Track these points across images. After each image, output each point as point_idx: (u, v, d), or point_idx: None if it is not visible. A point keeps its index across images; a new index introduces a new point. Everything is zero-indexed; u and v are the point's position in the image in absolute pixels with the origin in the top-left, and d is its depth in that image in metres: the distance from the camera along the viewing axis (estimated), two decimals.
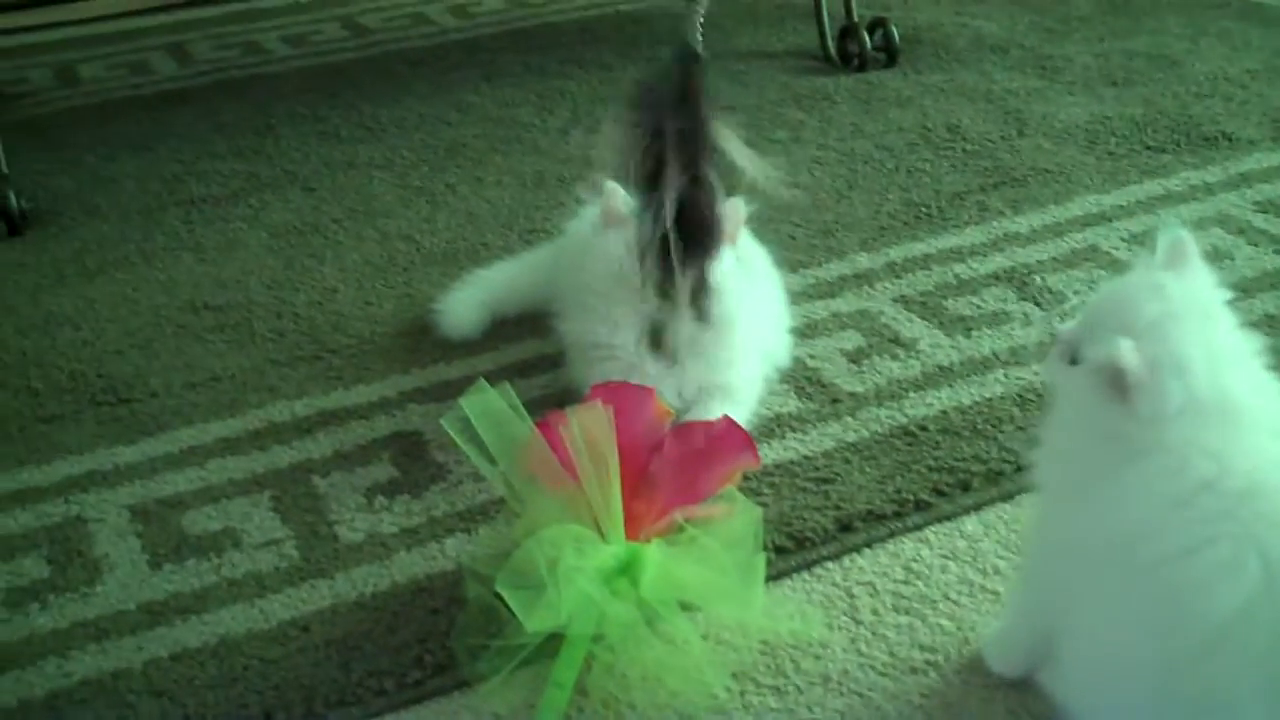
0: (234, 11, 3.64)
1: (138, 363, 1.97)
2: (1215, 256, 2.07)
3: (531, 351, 1.93)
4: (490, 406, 1.44)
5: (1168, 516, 1.11)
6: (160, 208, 2.50)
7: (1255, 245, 2.10)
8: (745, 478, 1.57)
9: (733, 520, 1.42)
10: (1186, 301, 1.17)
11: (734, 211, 1.72)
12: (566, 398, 1.79)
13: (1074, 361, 1.19)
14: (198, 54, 3.38)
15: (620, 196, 1.71)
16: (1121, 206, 2.25)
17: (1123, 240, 2.13)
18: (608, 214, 1.71)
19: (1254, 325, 1.80)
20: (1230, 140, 2.48)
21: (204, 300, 2.14)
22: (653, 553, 1.37)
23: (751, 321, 1.75)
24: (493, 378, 1.83)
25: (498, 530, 1.51)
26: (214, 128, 2.86)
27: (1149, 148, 2.48)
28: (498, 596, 1.32)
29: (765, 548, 1.46)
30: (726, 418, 1.52)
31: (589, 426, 1.40)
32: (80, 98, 3.16)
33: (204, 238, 2.36)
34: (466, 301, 1.98)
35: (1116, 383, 1.12)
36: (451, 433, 1.44)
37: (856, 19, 2.99)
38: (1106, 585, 1.15)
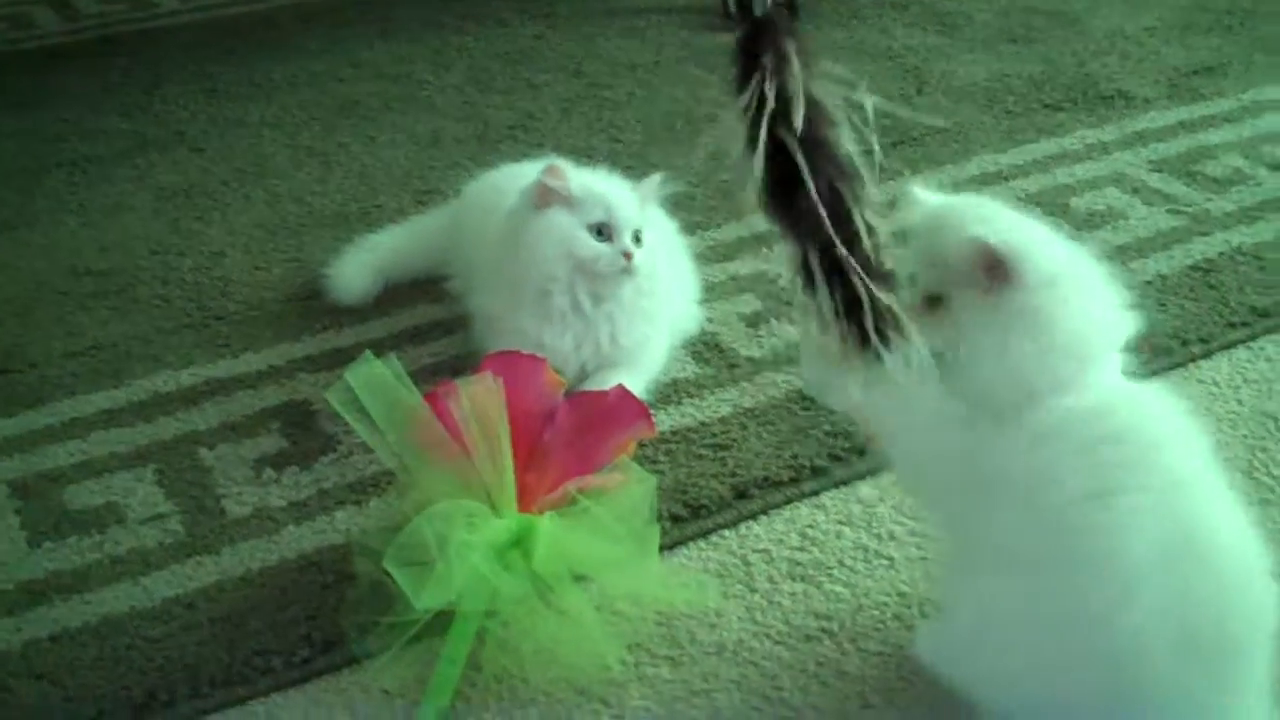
0: None
1: (16, 331, 1.91)
2: (1110, 216, 2.09)
3: (424, 317, 1.90)
4: (377, 378, 1.40)
5: (1074, 460, 1.11)
6: (42, 169, 2.42)
7: (1150, 205, 2.11)
8: (641, 445, 1.55)
9: (627, 490, 1.41)
10: (980, 202, 1.23)
11: (651, 187, 1.73)
12: (461, 365, 1.77)
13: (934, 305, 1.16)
14: (82, 7, 3.28)
15: (567, 178, 1.67)
16: (1018, 166, 2.25)
17: (1019, 199, 2.13)
18: (551, 194, 1.67)
19: (1148, 285, 1.87)
20: (1127, 99, 2.49)
21: (86, 265, 2.08)
22: (545, 525, 1.35)
23: (664, 293, 1.74)
24: (385, 344, 1.83)
25: (388, 503, 1.49)
26: (100, 86, 2.77)
27: (1046, 106, 2.48)
28: (388, 573, 1.30)
29: (661, 517, 1.46)
30: (620, 386, 1.50)
31: (479, 398, 1.38)
32: None
33: (88, 200, 2.29)
34: (358, 266, 1.94)
35: (993, 269, 1.11)
36: (337, 406, 1.40)
37: None
38: (1017, 526, 1.14)
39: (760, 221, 2.05)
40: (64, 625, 1.39)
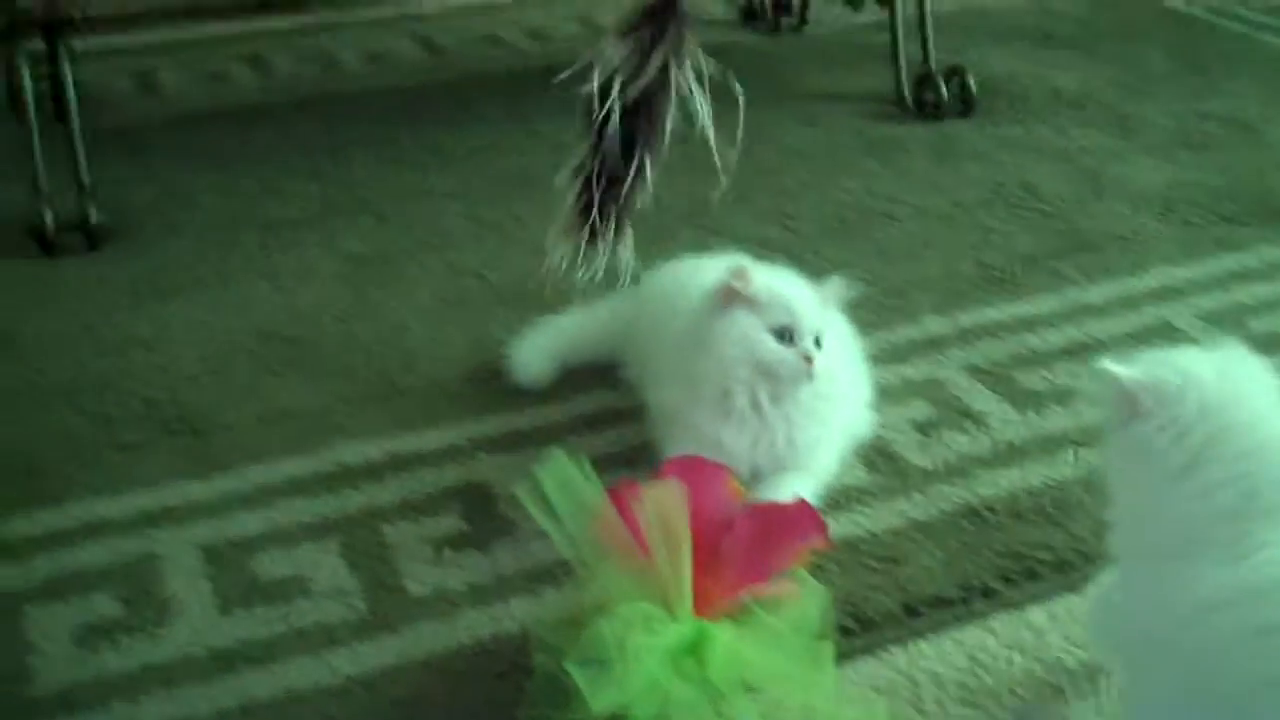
0: (311, 23, 3.66)
1: (211, 392, 1.99)
2: None
3: (602, 403, 1.94)
4: (566, 476, 1.44)
5: (1246, 646, 1.12)
6: (237, 228, 2.51)
7: None
8: (812, 554, 1.57)
9: (800, 602, 1.42)
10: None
11: (834, 289, 1.75)
12: (637, 455, 1.81)
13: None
14: (278, 68, 3.40)
15: (754, 279, 1.70)
16: (1196, 281, 2.24)
17: (1196, 318, 2.12)
18: (736, 295, 1.70)
19: None
20: None
21: (277, 329, 2.16)
22: (721, 633, 1.37)
23: (843, 406, 1.76)
24: (563, 429, 1.87)
25: (566, 596, 1.52)
26: (291, 145, 2.87)
27: (1225, 219, 2.46)
28: (565, 670, 1.33)
29: (832, 629, 1.47)
30: (799, 498, 1.53)
31: (663, 503, 1.40)
32: (160, 107, 3.18)
33: (279, 262, 2.38)
34: (537, 349, 1.99)
35: (1125, 404, 1.20)
36: (526, 501, 1.44)
37: (934, 66, 2.99)
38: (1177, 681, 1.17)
39: (933, 324, 2.09)
40: (251, 696, 1.44)
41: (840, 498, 1.74)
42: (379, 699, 1.44)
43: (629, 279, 1.75)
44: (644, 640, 1.34)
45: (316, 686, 1.46)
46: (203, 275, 2.34)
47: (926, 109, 2.97)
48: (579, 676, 1.31)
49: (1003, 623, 1.53)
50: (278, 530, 1.70)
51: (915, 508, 1.72)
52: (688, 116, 1.81)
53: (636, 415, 1.88)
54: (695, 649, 1.37)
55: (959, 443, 1.84)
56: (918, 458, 1.82)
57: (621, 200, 1.79)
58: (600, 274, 1.74)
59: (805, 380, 1.68)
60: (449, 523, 1.71)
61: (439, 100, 3.14)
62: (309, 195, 2.64)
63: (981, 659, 1.48)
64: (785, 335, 1.68)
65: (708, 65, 1.83)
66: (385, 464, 1.82)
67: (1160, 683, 1.20)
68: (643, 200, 1.78)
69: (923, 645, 1.51)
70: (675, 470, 1.48)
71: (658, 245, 2.33)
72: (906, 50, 3.04)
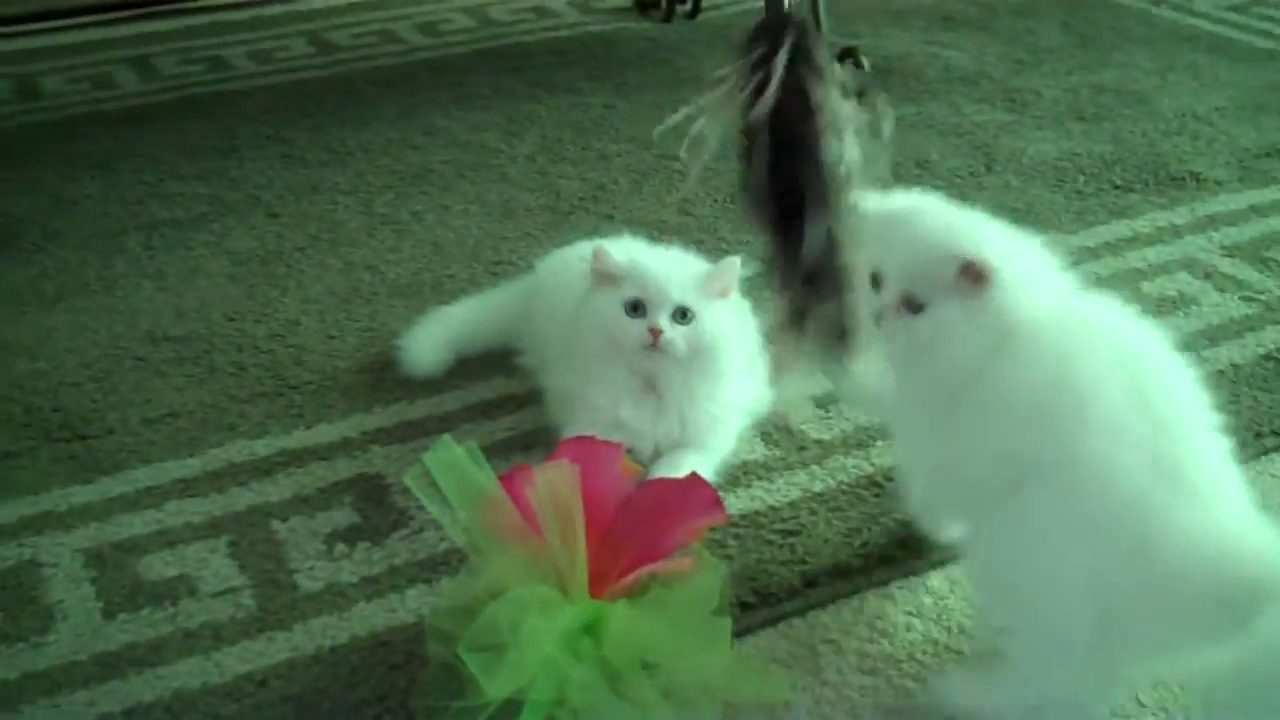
0: (199, 25, 3.59)
1: (95, 397, 1.94)
2: (1182, 302, 2.08)
3: (497, 391, 1.91)
4: (454, 461, 1.41)
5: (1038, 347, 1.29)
6: (122, 232, 2.45)
7: (1222, 291, 2.10)
8: (710, 530, 1.55)
9: (697, 577, 1.40)
10: (936, 208, 1.42)
11: (729, 269, 1.73)
12: (534, 440, 1.79)
13: (915, 309, 1.33)
14: (162, 68, 3.33)
15: (609, 258, 1.71)
16: (1090, 248, 2.25)
17: (1090, 284, 2.11)
18: (599, 275, 1.71)
19: (1220, 374, 1.87)
20: (1198, 180, 2.48)
21: (164, 331, 2.11)
22: (617, 612, 1.35)
23: (737, 383, 1.75)
24: (458, 418, 1.85)
25: (460, 583, 1.48)
26: (178, 147, 2.81)
27: (1117, 186, 2.48)
28: (459, 657, 1.30)
29: (729, 604, 1.45)
30: (693, 473, 1.51)
31: (555, 485, 1.38)
32: (41, 112, 3.10)
33: (165, 264, 2.33)
34: (430, 339, 1.96)
35: (973, 276, 1.28)
36: (416, 490, 1.41)
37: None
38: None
39: None
40: (136, 699, 1.41)
41: (739, 473, 1.73)
42: (270, 697, 1.40)
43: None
44: (539, 623, 1.32)
45: (205, 687, 1.42)
46: (87, 280, 2.29)
47: None
48: (472, 663, 1.28)
49: (902, 589, 1.53)
50: (164, 531, 1.66)
51: (814, 480, 1.71)
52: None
53: (533, 400, 1.86)
54: (591, 630, 1.35)
55: (856, 415, 1.83)
56: (816, 431, 1.81)
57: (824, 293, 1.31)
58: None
59: (659, 356, 1.67)
60: (341, 516, 1.67)
61: (331, 97, 3.09)
62: (196, 196, 2.59)
63: (881, 626, 1.47)
64: (638, 309, 1.68)
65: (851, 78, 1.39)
66: (275, 460, 1.78)
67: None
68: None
69: (823, 616, 1.50)
70: (568, 452, 1.46)
71: (555, 231, 2.33)
72: None
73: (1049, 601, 1.25)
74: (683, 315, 1.68)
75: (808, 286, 1.29)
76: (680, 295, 1.68)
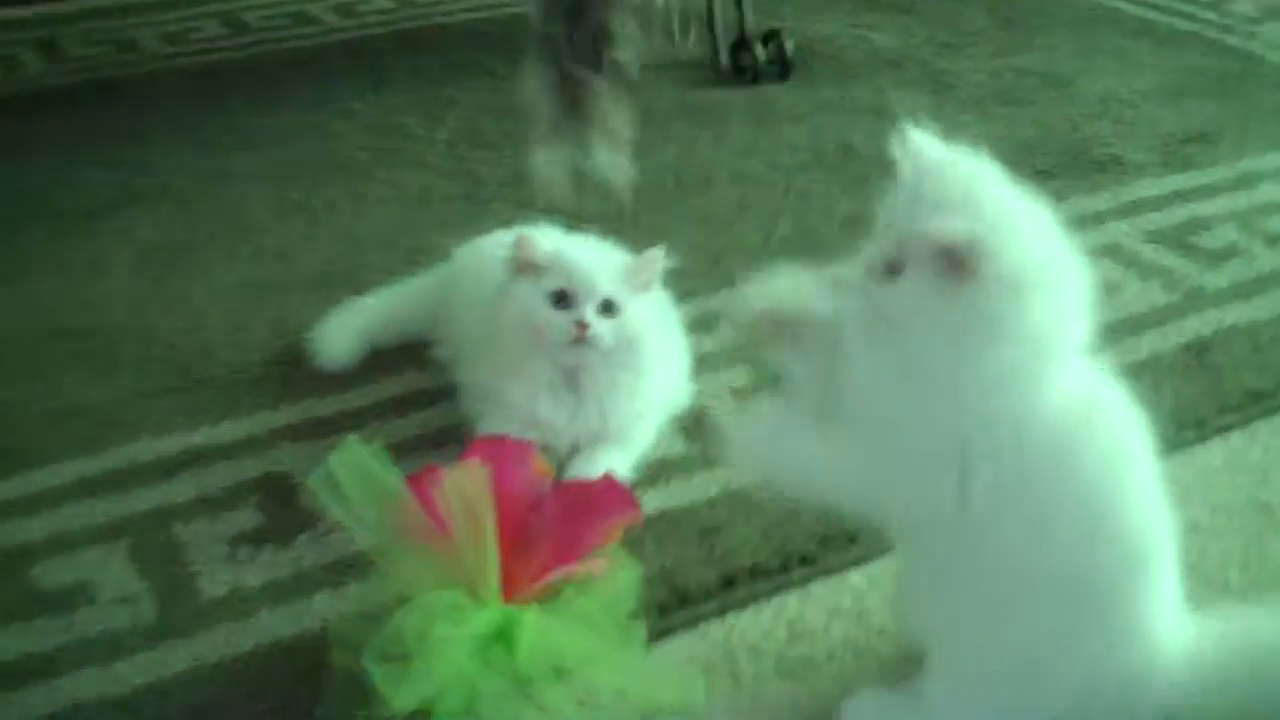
0: (109, 5, 3.49)
1: None
2: (1105, 289, 2.04)
3: (410, 385, 1.87)
4: (359, 462, 1.37)
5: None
6: (24, 220, 2.38)
7: (1145, 279, 2.09)
8: (627, 529, 1.52)
9: (612, 579, 1.38)
10: (973, 171, 1.17)
11: (651, 261, 1.70)
12: (447, 436, 1.74)
13: (893, 273, 1.14)
14: (69, 49, 3.24)
15: (534, 246, 1.66)
16: None
17: None
18: (521, 263, 1.66)
19: (1141, 364, 1.85)
20: (1120, 165, 2.48)
21: (66, 325, 2.04)
22: (529, 617, 1.32)
23: (657, 378, 1.71)
24: (369, 413, 1.80)
25: (368, 588, 1.45)
26: (85, 133, 2.73)
27: (1040, 171, 2.46)
28: (364, 667, 1.26)
29: (646, 606, 1.42)
30: (608, 474, 1.48)
31: (464, 486, 1.34)
32: None
33: (70, 255, 2.26)
34: (342, 331, 1.91)
35: (953, 263, 1.08)
36: (320, 492, 1.37)
37: (750, 31, 2.95)
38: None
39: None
40: (32, 712, 1.35)
41: (658, 469, 1.69)
42: (170, 707, 1.36)
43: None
44: (448, 631, 1.28)
45: (103, 698, 1.37)
46: None
47: (745, 74, 2.93)
48: (378, 675, 1.25)
49: (822, 588, 1.50)
50: (62, 535, 1.60)
51: (734, 477, 1.68)
52: None
53: (447, 396, 1.81)
54: (503, 636, 1.32)
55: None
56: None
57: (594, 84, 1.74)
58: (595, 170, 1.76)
59: (579, 348, 1.63)
60: (246, 517, 1.62)
61: (244, 80, 3.02)
62: (104, 183, 2.51)
63: (800, 628, 1.45)
64: (562, 300, 1.63)
65: None
66: (180, 459, 1.73)
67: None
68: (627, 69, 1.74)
69: (741, 617, 1.47)
70: (479, 452, 1.42)
71: (473, 220, 2.28)
72: (724, 15, 2.99)
73: (993, 662, 1.22)
74: (608, 308, 1.64)
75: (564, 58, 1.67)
76: (606, 287, 1.64)
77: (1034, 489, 1.16)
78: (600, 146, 1.71)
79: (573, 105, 1.68)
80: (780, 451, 1.26)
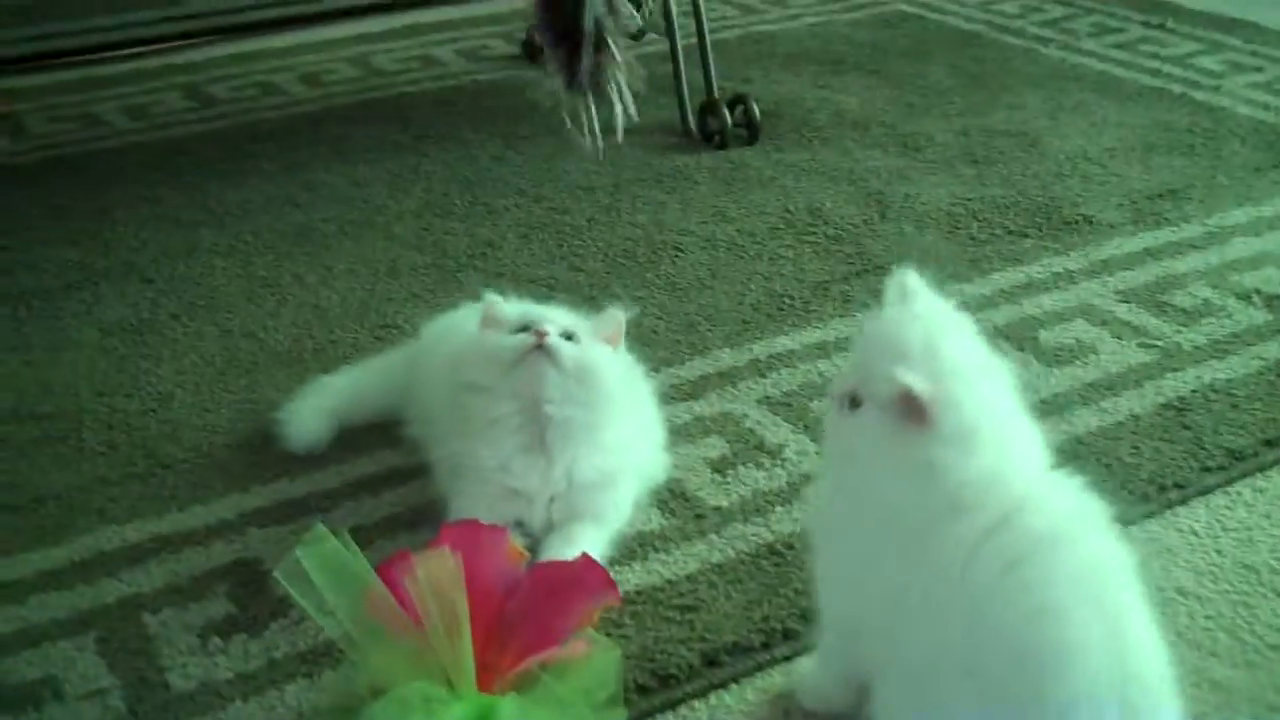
0: (71, 79, 3.46)
1: None
2: (1079, 350, 2.05)
3: (381, 464, 1.84)
4: (328, 554, 1.34)
5: (1007, 577, 1.15)
6: None
7: (1119, 338, 2.08)
8: (606, 609, 1.49)
9: (590, 663, 1.35)
10: (940, 324, 1.23)
11: (613, 319, 1.70)
12: (419, 516, 1.72)
13: (854, 406, 1.22)
14: (31, 126, 3.21)
15: (500, 306, 1.69)
16: (986, 296, 2.22)
17: (987, 334, 2.07)
18: (486, 320, 1.69)
19: (1120, 425, 1.84)
20: (1091, 223, 2.47)
21: (30, 408, 2.00)
22: (506, 706, 1.29)
23: (625, 435, 1.69)
24: (340, 494, 1.78)
25: (341, 679, 1.41)
26: (48, 211, 2.69)
27: (1011, 232, 2.46)
28: None
29: (627, 688, 1.39)
30: (584, 555, 1.45)
31: (435, 573, 1.31)
32: None
33: (32, 336, 2.22)
34: (311, 411, 1.88)
35: (911, 410, 1.16)
36: (288, 585, 1.33)
37: (717, 94, 2.95)
38: (940, 637, 1.17)
39: (725, 356, 2.04)
40: None
41: (635, 545, 1.66)
42: None
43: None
44: None
45: None
46: None
47: (712, 138, 2.92)
48: None
49: (807, 664, 1.47)
50: (27, 630, 1.56)
51: (713, 550, 1.65)
52: None
53: (419, 474, 1.79)
54: None
55: (755, 478, 1.78)
56: (714, 497, 1.75)
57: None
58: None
59: (539, 363, 1.61)
60: (216, 606, 1.58)
61: (210, 153, 2.99)
62: (65, 262, 2.48)
63: (785, 705, 1.42)
64: (523, 330, 1.65)
65: None
66: (148, 547, 1.69)
67: (914, 648, 1.20)
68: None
69: (725, 696, 1.44)
70: (450, 538, 1.39)
71: (442, 290, 2.26)
72: (690, 79, 2.99)
73: None
74: (569, 337, 1.64)
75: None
76: (566, 322, 1.66)
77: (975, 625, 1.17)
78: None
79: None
80: None
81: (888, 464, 1.20)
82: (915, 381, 1.15)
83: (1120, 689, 1.12)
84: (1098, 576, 1.16)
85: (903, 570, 1.20)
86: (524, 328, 1.64)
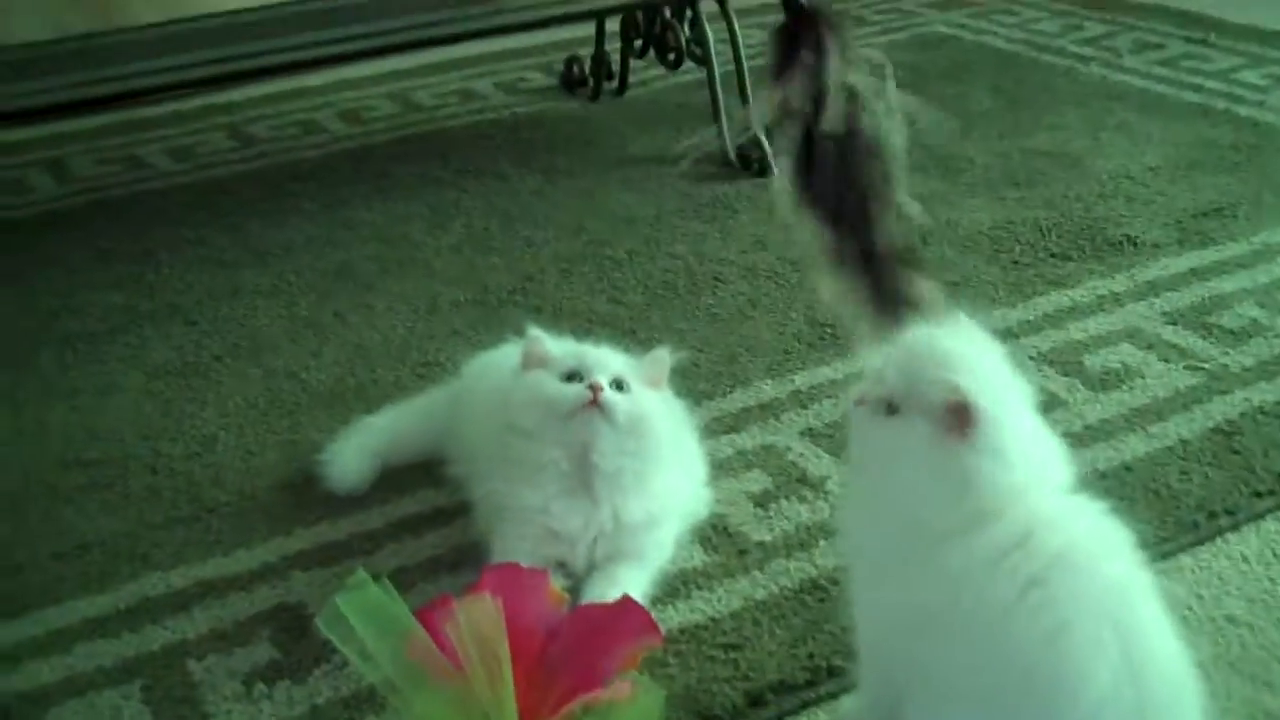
0: (114, 122, 3.49)
1: (3, 531, 1.84)
2: (1126, 375, 2.03)
3: (424, 504, 1.84)
4: (369, 601, 1.34)
5: (1025, 595, 1.15)
6: (33, 348, 2.36)
7: (1166, 361, 2.06)
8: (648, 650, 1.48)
9: (634, 704, 1.34)
10: (974, 342, 1.26)
11: (659, 361, 1.70)
12: (462, 557, 1.71)
13: (890, 413, 1.23)
14: (78, 170, 3.25)
15: (544, 341, 1.68)
16: (1029, 321, 2.20)
17: (1032, 360, 2.07)
18: (530, 358, 1.68)
19: (1169, 450, 1.82)
20: (1135, 245, 2.45)
21: (76, 455, 2.01)
22: None
23: (670, 480, 1.68)
24: (382, 535, 1.78)
25: None
26: (93, 254, 2.72)
27: (1054, 255, 2.44)
28: None
29: None
30: (626, 596, 1.44)
31: (476, 618, 1.31)
32: None
33: (79, 381, 2.24)
34: (354, 452, 1.88)
35: (958, 419, 1.17)
36: (329, 633, 1.33)
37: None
38: (959, 658, 1.18)
39: (767, 388, 2.03)
40: None
41: (678, 583, 1.66)
42: None
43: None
44: None
45: None
46: None
47: (751, 166, 2.92)
48: None
49: (849, 702, 1.45)
50: (73, 678, 1.57)
51: (756, 587, 1.64)
52: None
53: (461, 513, 1.78)
54: None
55: (798, 512, 1.77)
56: (756, 532, 1.74)
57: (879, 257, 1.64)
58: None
59: (600, 420, 1.61)
60: (260, 652, 1.59)
61: (251, 193, 3.02)
62: (111, 305, 2.50)
63: None
64: (574, 378, 1.64)
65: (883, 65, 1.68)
66: (192, 593, 1.70)
67: (935, 663, 1.21)
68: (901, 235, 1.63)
69: None
70: (491, 582, 1.39)
71: (483, 326, 2.27)
72: (728, 107, 2.99)
73: None
74: (619, 386, 1.63)
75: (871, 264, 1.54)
76: (617, 367, 1.65)
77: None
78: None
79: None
80: None
81: (923, 472, 1.21)
82: (970, 392, 1.17)
83: (1136, 714, 1.12)
84: (1116, 599, 1.15)
85: (923, 583, 1.20)
86: (574, 374, 1.63)
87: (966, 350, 1.23)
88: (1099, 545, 1.19)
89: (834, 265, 1.60)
